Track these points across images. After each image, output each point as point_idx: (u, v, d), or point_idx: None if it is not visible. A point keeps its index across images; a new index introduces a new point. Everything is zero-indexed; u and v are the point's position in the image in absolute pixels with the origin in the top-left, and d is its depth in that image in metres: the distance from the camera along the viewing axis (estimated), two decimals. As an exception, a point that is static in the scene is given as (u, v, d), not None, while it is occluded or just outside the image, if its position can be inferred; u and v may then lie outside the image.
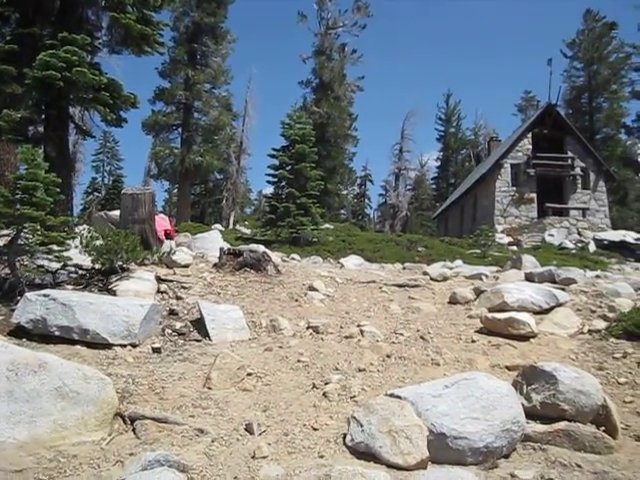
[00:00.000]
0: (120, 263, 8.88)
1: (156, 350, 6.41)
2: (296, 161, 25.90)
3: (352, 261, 17.07)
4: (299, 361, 6.28)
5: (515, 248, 31.70)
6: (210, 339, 6.91)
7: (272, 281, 9.92)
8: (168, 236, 14.65)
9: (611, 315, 8.52)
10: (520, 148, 42.52)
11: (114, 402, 4.63)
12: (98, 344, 6.27)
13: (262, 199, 61.61)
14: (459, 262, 18.35)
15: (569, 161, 42.14)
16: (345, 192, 70.76)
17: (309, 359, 6.35)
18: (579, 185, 42.15)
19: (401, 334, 7.47)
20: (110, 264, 8.72)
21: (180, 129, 45.00)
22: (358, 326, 7.65)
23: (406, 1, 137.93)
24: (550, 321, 8.26)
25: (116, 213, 14.63)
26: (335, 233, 28.49)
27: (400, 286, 10.70)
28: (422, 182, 78.71)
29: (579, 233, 38.41)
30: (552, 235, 36.56)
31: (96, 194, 72.92)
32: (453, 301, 9.51)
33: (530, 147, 42.28)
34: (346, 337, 7.24)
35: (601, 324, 8.21)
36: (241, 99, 54.80)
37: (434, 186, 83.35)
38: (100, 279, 8.58)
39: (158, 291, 8.47)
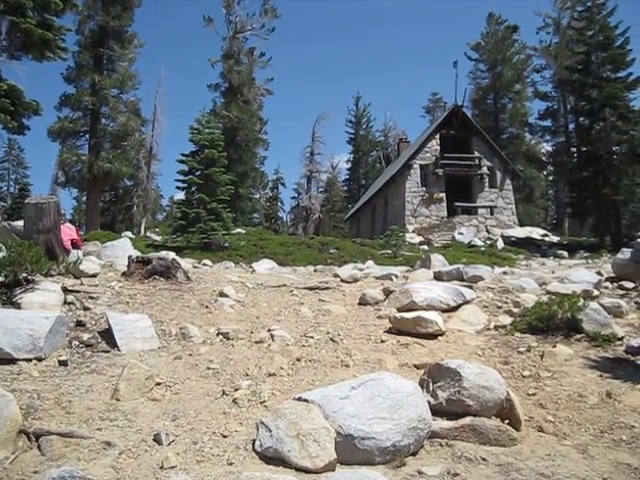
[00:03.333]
0: (25, 275, 8.63)
1: (63, 363, 6.25)
2: (206, 166, 25.73)
3: (264, 265, 17.05)
4: (209, 368, 6.24)
5: (426, 247, 32.24)
6: (119, 350, 6.79)
7: (182, 288, 9.82)
8: (75, 245, 14.27)
9: (516, 310, 8.77)
10: (429, 149, 43.31)
11: (18, 419, 4.49)
12: (2, 359, 6.07)
13: (173, 205, 60.88)
14: (370, 263, 18.52)
15: (476, 161, 43.14)
16: (257, 196, 70.74)
17: (219, 366, 6.31)
18: (486, 184, 43.19)
19: (311, 337, 7.51)
20: (14, 276, 8.45)
21: (87, 135, 44.01)
22: (269, 331, 7.65)
23: (313, 1, 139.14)
24: (458, 318, 8.45)
25: (20, 223, 14.16)
26: (247, 237, 28.43)
27: (311, 289, 10.74)
28: (334, 184, 79.32)
29: (488, 231, 39.38)
30: (462, 233, 37.36)
31: (2, 203, 70.71)
32: (363, 302, 9.59)
33: (438, 148, 43.10)
34: (256, 342, 7.23)
35: (507, 319, 8.44)
36: (150, 104, 54.42)
37: (345, 188, 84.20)
38: (3, 292, 8.30)
39: (65, 302, 8.25)
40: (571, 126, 54.10)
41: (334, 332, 7.76)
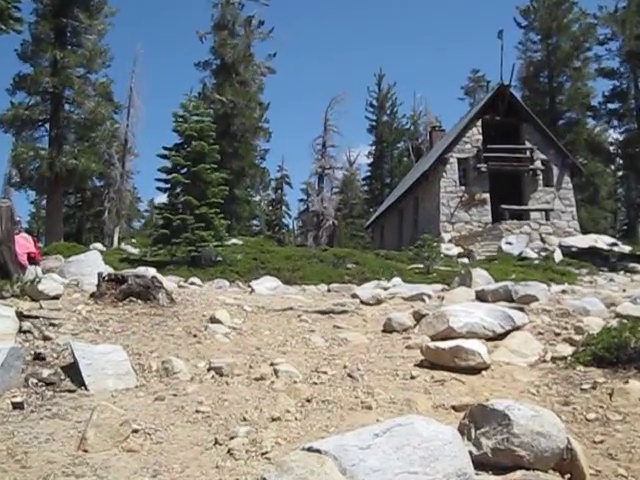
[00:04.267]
0: (-31, 297, 8.68)
1: (17, 406, 6.25)
2: (193, 162, 25.83)
3: (266, 284, 17.09)
4: (198, 411, 6.22)
5: (466, 260, 32.30)
6: (87, 388, 6.78)
7: (165, 313, 9.85)
8: (32, 260, 14.35)
9: (578, 338, 8.74)
10: (468, 139, 43.35)
11: (-41, 476, 4.51)
12: (-60, 403, 6.10)
13: (153, 210, 61.04)
14: (397, 280, 18.57)
15: (527, 153, 43.13)
16: (257, 198, 71.10)
17: (211, 409, 6.30)
18: (540, 182, 43.17)
19: (324, 372, 7.50)
20: (-45, 299, 8.51)
21: (47, 125, 44.13)
22: (271, 365, 7.65)
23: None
24: (506, 348, 8.43)
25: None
26: (245, 250, 28.50)
27: (324, 313, 10.78)
28: (351, 183, 79.61)
29: (542, 239, 39.30)
30: (510, 243, 37.26)
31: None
32: (388, 329, 9.62)
33: (480, 137, 43.17)
34: (256, 379, 7.22)
35: (567, 349, 8.40)
36: (125, 86, 54.48)
37: (366, 188, 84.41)
38: (-58, 319, 8.35)
39: (20, 330, 8.27)
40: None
41: (352, 366, 7.76)
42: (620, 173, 67.49)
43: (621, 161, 61.90)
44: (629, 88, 59.74)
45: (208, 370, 7.52)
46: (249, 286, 17.10)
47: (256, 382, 7.16)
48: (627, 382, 7.05)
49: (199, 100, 36.03)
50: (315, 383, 7.17)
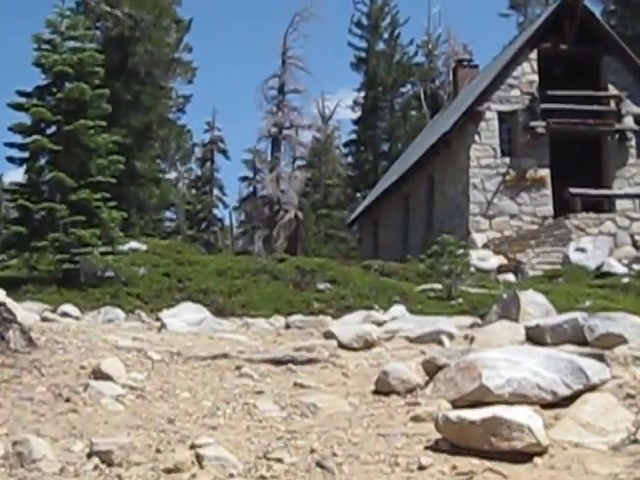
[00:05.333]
0: None
1: None
2: (67, 116, 25.76)
3: (185, 316, 17.08)
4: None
5: (512, 278, 32.36)
6: None
7: (19, 362, 9.82)
8: None
9: (691, 404, 8.78)
10: (517, 81, 43.51)
11: None
12: None
13: (1, 195, 60.83)
14: (399, 310, 18.61)
15: (612, 104, 43.28)
16: (172, 176, 70.91)
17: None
18: (633, 151, 43.21)
19: (279, 460, 7.45)
20: None
21: None
22: (192, 447, 7.58)
23: None
24: (574, 421, 8.44)
25: None
26: (152, 260, 28.46)
27: (279, 363, 10.77)
28: (326, 151, 79.58)
29: (636, 244, 39.43)
30: (583, 250, 37.35)
31: None
32: (384, 389, 9.60)
33: (536, 79, 43.34)
34: (168, 471, 7.15)
35: (673, 423, 8.44)
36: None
37: (350, 160, 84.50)
38: None
39: None
40: None
41: (325, 450, 7.71)
42: None
43: None
44: None
45: (89, 456, 7.42)
46: (158, 319, 17.05)
47: (167, 476, 7.09)
48: None
49: (78, 14, 35.95)
50: (263, 477, 7.11)
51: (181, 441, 7.88)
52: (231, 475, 7.09)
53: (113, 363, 9.95)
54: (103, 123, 26.35)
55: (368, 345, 11.93)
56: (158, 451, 7.64)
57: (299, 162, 71.72)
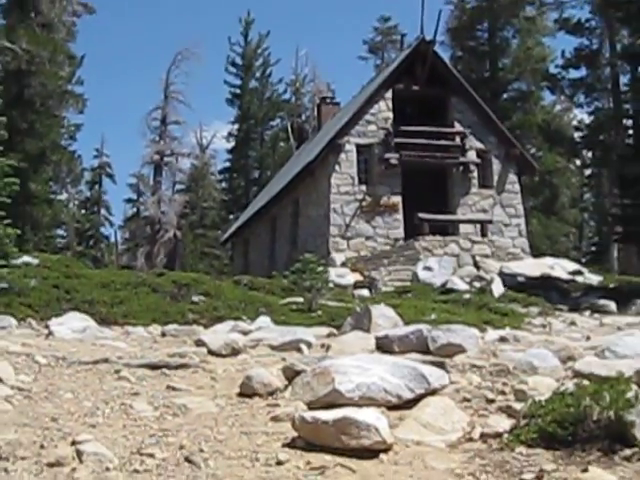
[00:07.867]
0: None
1: None
2: (-38, 141, 25.48)
3: (71, 324, 16.91)
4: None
5: (366, 293, 32.46)
6: None
7: None
8: None
9: (520, 407, 8.75)
10: (373, 117, 43.63)
11: None
12: None
13: None
14: (264, 321, 18.61)
15: (457, 139, 43.62)
16: (64, 197, 70.22)
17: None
18: (475, 181, 43.59)
19: (151, 455, 7.40)
20: None
21: None
22: (73, 444, 7.52)
23: None
24: (416, 421, 8.47)
25: None
26: (42, 273, 28.14)
27: (154, 367, 10.74)
28: (203, 178, 79.72)
29: (476, 264, 39.82)
30: (430, 269, 37.60)
31: None
32: (247, 392, 9.58)
33: (390, 116, 43.54)
34: (50, 465, 7.07)
35: (503, 423, 8.45)
36: None
37: (224, 185, 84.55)
38: None
39: None
40: (623, 80, 54.81)
41: (193, 446, 7.68)
42: (588, 172, 68.19)
43: (590, 153, 62.51)
44: (600, 49, 59.81)
45: (-25, 452, 7.39)
46: (46, 327, 16.87)
47: (50, 469, 7.01)
48: (586, 470, 6.95)
49: (-25, 49, 35.55)
50: (137, 471, 7.06)
51: (63, 438, 7.81)
52: (107, 469, 7.06)
53: (3, 367, 9.85)
54: (0, 148, 26.05)
55: (235, 352, 11.94)
56: (42, 447, 7.56)
57: (178, 186, 71.82)
